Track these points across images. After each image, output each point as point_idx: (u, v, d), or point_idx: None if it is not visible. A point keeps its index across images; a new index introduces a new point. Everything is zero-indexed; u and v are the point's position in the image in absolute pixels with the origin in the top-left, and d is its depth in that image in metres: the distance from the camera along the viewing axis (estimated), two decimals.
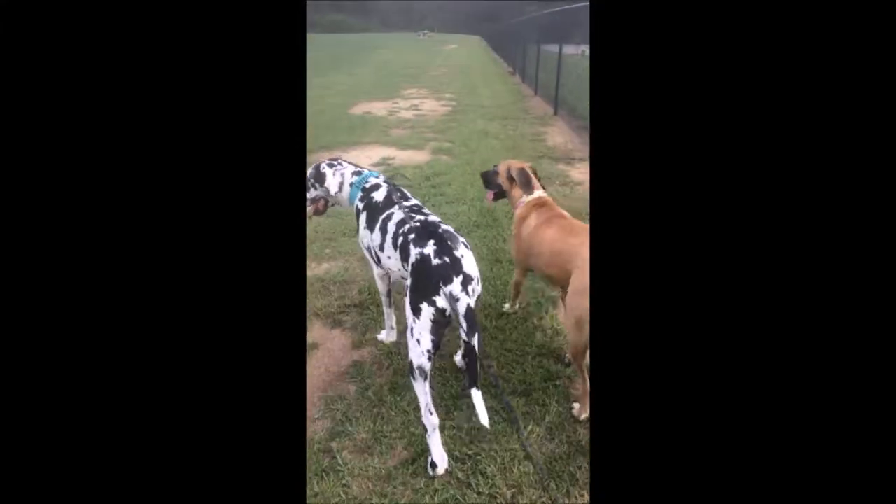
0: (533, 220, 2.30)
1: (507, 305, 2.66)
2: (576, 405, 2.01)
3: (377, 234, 2.01)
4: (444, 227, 1.85)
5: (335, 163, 2.28)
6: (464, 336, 1.60)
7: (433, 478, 1.73)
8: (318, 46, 28.58)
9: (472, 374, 1.63)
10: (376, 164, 5.38)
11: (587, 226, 2.10)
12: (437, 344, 1.69)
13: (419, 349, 1.68)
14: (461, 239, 1.80)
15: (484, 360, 2.26)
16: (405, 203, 2.04)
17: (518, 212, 2.40)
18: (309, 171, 2.25)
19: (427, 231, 1.81)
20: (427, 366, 1.71)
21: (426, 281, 1.68)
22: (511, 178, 2.46)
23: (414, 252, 1.76)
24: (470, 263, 1.71)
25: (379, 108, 9.27)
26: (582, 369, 1.93)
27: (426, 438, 1.78)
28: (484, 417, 1.58)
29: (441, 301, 1.65)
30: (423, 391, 1.73)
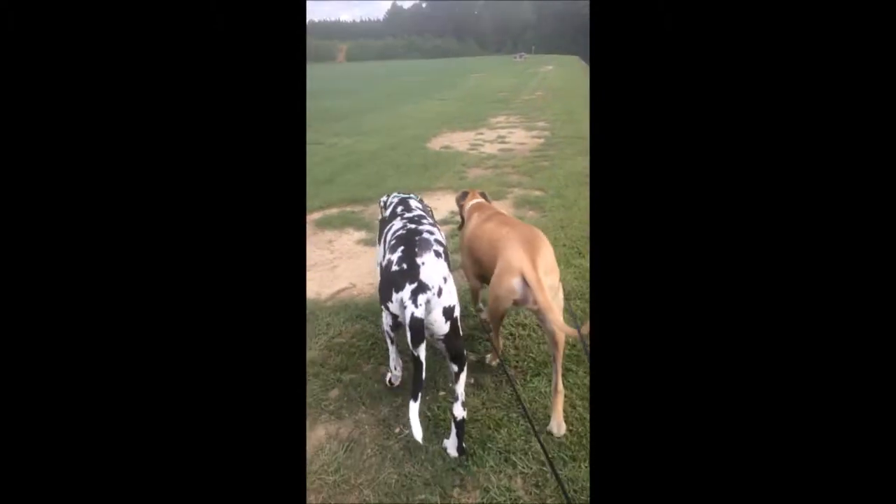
0: (474, 220, 2.33)
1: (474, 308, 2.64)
2: (489, 356, 2.33)
3: (380, 247, 2.05)
4: (425, 234, 1.82)
5: (395, 195, 2.42)
6: (410, 346, 1.58)
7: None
8: (414, 72, 28.73)
9: (414, 385, 1.59)
10: (443, 222, 4.25)
11: (518, 221, 2.21)
12: (394, 329, 1.81)
13: (384, 324, 1.90)
14: (435, 247, 1.76)
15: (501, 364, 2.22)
16: (407, 214, 2.11)
17: (466, 220, 2.47)
18: (381, 199, 2.47)
19: (404, 237, 1.80)
20: (391, 333, 1.97)
21: (382, 286, 1.71)
22: (459, 198, 2.64)
23: (386, 258, 1.77)
24: (431, 272, 1.65)
25: (460, 140, 8.21)
26: (497, 332, 2.12)
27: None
28: (417, 432, 1.52)
29: (393, 307, 1.66)
30: (391, 349, 2.07)
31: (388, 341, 2.05)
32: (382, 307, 1.74)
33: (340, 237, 4.19)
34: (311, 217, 4.67)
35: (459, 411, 1.79)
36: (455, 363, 1.76)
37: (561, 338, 1.85)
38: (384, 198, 2.44)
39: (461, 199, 2.59)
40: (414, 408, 1.54)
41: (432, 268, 1.66)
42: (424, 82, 21.39)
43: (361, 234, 4.17)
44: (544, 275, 1.78)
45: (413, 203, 2.31)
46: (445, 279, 1.68)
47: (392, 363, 2.16)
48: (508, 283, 1.83)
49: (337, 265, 3.62)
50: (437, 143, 8.02)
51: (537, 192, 5.01)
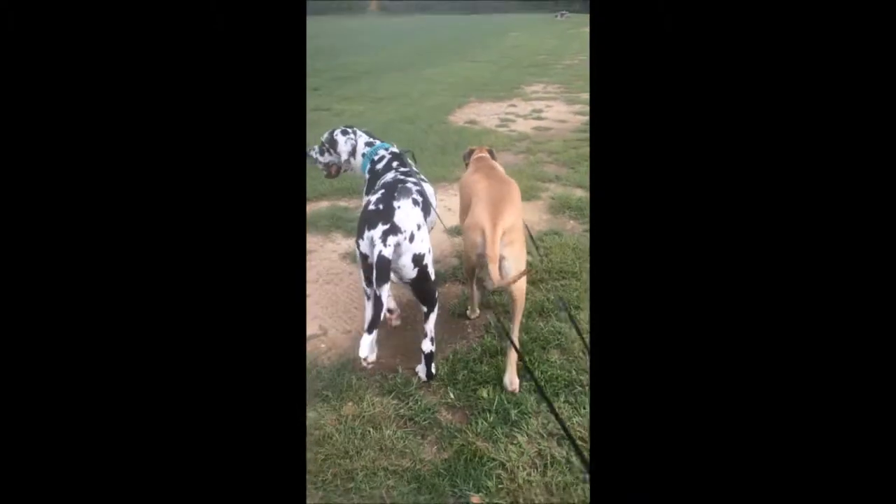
0: (469, 170, 2.40)
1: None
2: (468, 310, 2.46)
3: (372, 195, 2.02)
4: (409, 184, 1.87)
5: (349, 130, 2.37)
6: (374, 284, 1.65)
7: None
8: (447, 27, 26.89)
9: (371, 321, 1.64)
10: (454, 232, 3.26)
11: (499, 176, 2.25)
12: (367, 279, 1.77)
13: (359, 276, 1.93)
14: (414, 196, 1.82)
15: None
16: (402, 168, 2.13)
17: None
18: (325, 134, 2.40)
19: (388, 184, 1.87)
20: (367, 290, 1.82)
21: (358, 224, 1.77)
22: (465, 157, 2.63)
23: (366, 199, 1.88)
24: (406, 216, 1.72)
25: (489, 113, 7.06)
26: (471, 283, 2.36)
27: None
28: (364, 351, 1.60)
29: (364, 245, 1.72)
30: (367, 306, 1.88)
31: (365, 297, 1.92)
32: (355, 245, 1.77)
33: (322, 247, 3.26)
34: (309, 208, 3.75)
35: (428, 346, 1.95)
36: (425, 305, 1.91)
37: (517, 295, 1.93)
38: (338, 133, 2.38)
39: (467, 157, 2.60)
40: (365, 339, 1.59)
41: (407, 213, 1.72)
42: (456, 40, 19.76)
43: (349, 244, 3.23)
44: (502, 233, 1.86)
45: (409, 162, 2.28)
46: (419, 226, 1.76)
47: (368, 320, 1.86)
48: (472, 238, 1.92)
49: (309, 293, 2.71)
50: (461, 116, 6.89)
51: (579, 192, 3.94)
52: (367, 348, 1.60)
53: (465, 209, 2.17)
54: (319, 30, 23.96)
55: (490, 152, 2.58)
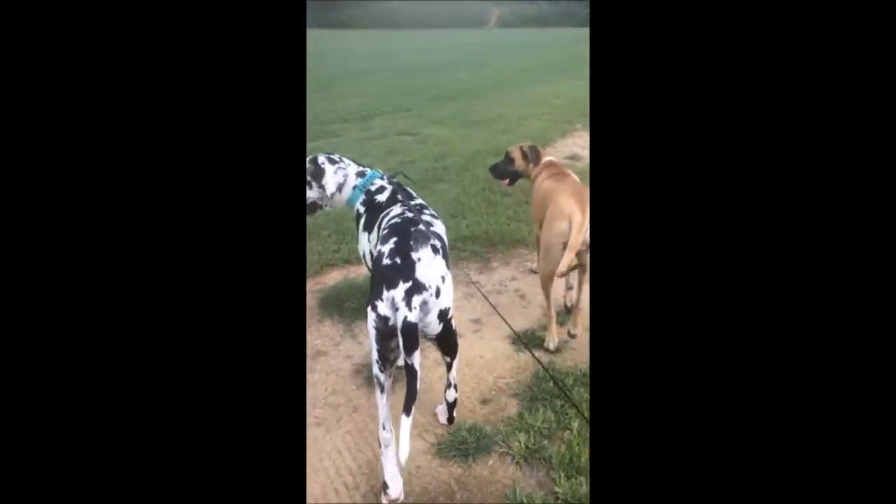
0: (542, 177, 2.45)
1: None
2: (547, 341, 2.31)
3: (374, 232, 1.80)
4: (422, 225, 1.63)
5: (336, 158, 2.05)
6: (402, 353, 1.43)
7: None
8: (564, 42, 25.52)
9: (407, 397, 1.41)
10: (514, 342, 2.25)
11: (577, 180, 2.34)
12: (384, 356, 1.53)
13: (371, 357, 1.57)
14: (433, 241, 1.57)
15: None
16: (410, 202, 1.84)
17: (533, 177, 2.56)
18: (307, 165, 2.00)
19: (400, 227, 1.61)
20: (381, 377, 1.57)
21: (373, 283, 1.54)
22: (526, 156, 2.60)
23: (378, 248, 1.60)
24: (428, 270, 1.49)
25: None
26: (547, 295, 2.28)
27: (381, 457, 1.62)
28: (404, 452, 1.33)
29: (383, 307, 1.46)
30: (380, 403, 1.59)
31: (378, 388, 1.59)
32: (368, 308, 1.49)
33: (339, 346, 2.41)
34: (317, 283, 2.95)
35: (452, 394, 1.86)
36: (448, 356, 1.78)
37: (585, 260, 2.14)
38: (325, 161, 2.03)
39: (532, 158, 2.59)
40: (406, 424, 1.36)
41: (429, 264, 1.50)
42: (571, 55, 18.44)
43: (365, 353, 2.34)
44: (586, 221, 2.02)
45: (411, 192, 1.99)
46: (443, 278, 1.55)
47: (382, 418, 1.61)
48: (557, 227, 2.08)
49: (315, 437, 1.85)
50: (562, 149, 5.78)
51: None
52: (408, 435, 1.34)
53: (542, 216, 2.25)
54: (431, 43, 23.95)
55: (536, 150, 2.61)
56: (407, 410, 1.39)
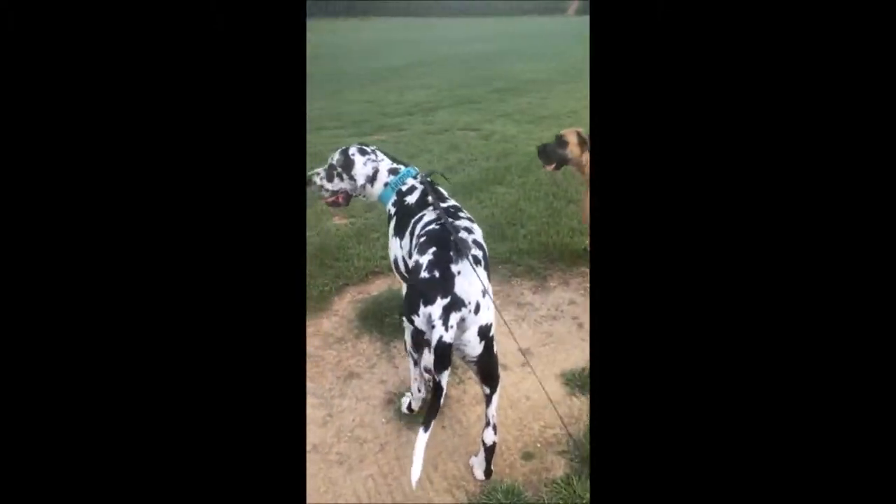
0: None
1: None
2: None
3: (406, 239, 1.74)
4: (463, 233, 1.56)
5: (367, 149, 1.97)
6: (432, 370, 1.37)
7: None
8: None
9: (428, 412, 1.36)
10: None
11: None
12: (418, 347, 1.53)
13: (405, 343, 1.65)
14: (474, 251, 1.51)
15: None
16: (441, 204, 1.73)
17: (585, 165, 2.51)
18: (335, 155, 1.98)
19: (437, 235, 1.53)
20: (415, 355, 1.66)
21: (409, 295, 1.49)
22: (583, 143, 2.48)
23: (414, 258, 1.53)
24: (467, 285, 1.40)
25: None
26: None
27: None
28: (415, 472, 1.27)
29: (419, 322, 1.40)
30: (412, 372, 1.76)
31: (411, 361, 1.77)
32: (404, 320, 1.50)
33: (374, 369, 2.23)
34: (360, 292, 2.78)
35: (490, 436, 1.63)
36: (487, 385, 1.59)
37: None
38: (355, 152, 1.96)
39: (589, 146, 2.45)
40: (422, 439, 1.30)
41: (469, 279, 1.42)
42: None
43: (400, 379, 2.13)
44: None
45: (444, 192, 1.90)
46: (484, 293, 1.45)
47: (414, 385, 1.84)
48: None
49: (335, 478, 1.70)
50: None
51: None
52: (422, 453, 1.27)
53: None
54: (506, 32, 23.34)
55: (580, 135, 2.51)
56: (426, 425, 1.32)
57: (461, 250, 1.45)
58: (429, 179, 1.89)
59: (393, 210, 1.87)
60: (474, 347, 1.45)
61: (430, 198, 1.78)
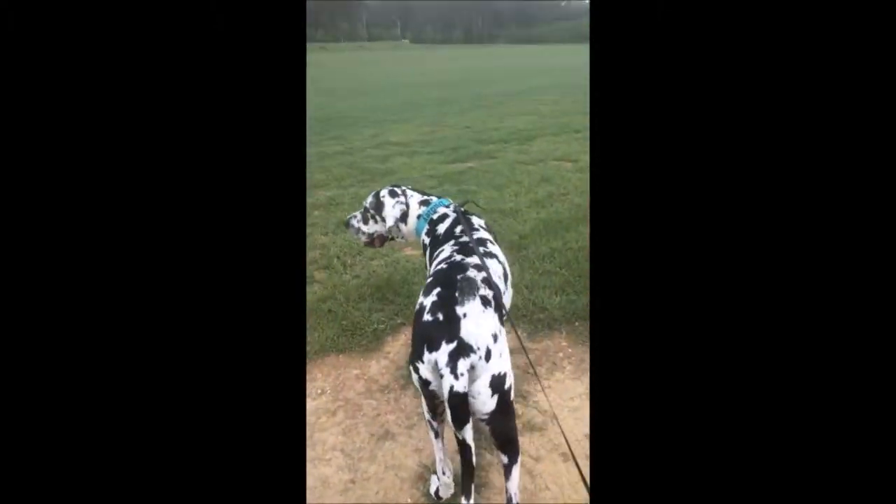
0: None
1: None
2: None
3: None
4: (472, 271, 1.41)
5: (398, 190, 1.95)
6: (452, 426, 1.23)
7: None
8: None
9: (463, 479, 1.28)
10: None
11: None
12: (432, 409, 1.40)
13: (430, 433, 1.49)
14: (483, 290, 1.35)
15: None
16: (465, 237, 1.65)
17: None
18: (368, 198, 2.00)
19: (444, 274, 1.42)
20: (433, 423, 1.45)
21: (413, 339, 1.35)
22: None
23: (419, 301, 1.39)
24: (476, 325, 1.26)
25: None
26: None
27: None
28: None
29: (424, 371, 1.28)
30: (435, 447, 1.52)
31: (431, 433, 1.49)
32: (411, 368, 1.34)
33: (411, 430, 1.97)
34: (400, 343, 2.55)
35: None
36: (504, 452, 1.38)
37: None
38: (385, 193, 1.96)
39: None
40: None
41: (477, 321, 1.27)
42: None
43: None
44: None
45: (476, 221, 1.81)
46: (496, 336, 1.28)
47: (439, 466, 1.56)
48: None
49: None
50: None
51: None
52: None
53: None
54: None
55: None
56: (466, 493, 1.26)
57: (467, 289, 1.32)
58: (462, 209, 1.84)
59: (427, 240, 1.84)
60: (485, 402, 1.27)
61: (457, 228, 1.72)
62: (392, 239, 2.05)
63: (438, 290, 1.34)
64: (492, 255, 1.59)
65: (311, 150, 6.57)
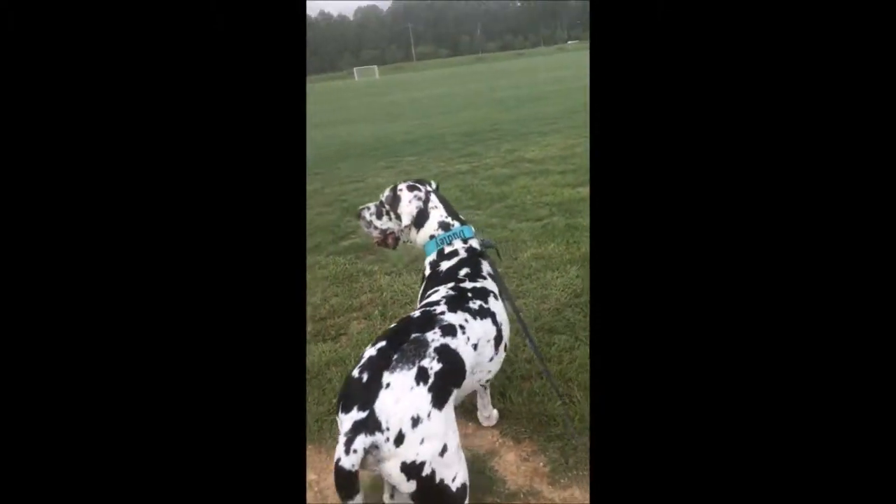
0: None
1: None
2: None
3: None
4: (430, 334, 1.26)
5: (419, 186, 1.74)
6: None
7: None
8: None
9: None
10: None
11: None
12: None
13: None
14: (426, 361, 1.19)
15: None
16: (467, 282, 1.53)
17: None
18: (385, 192, 1.79)
19: (405, 326, 1.31)
20: None
21: (339, 394, 1.26)
22: None
23: (366, 348, 1.30)
24: (395, 401, 1.12)
25: None
26: None
27: None
28: None
29: (342, 427, 1.16)
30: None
31: None
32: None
33: None
34: None
35: None
36: None
37: None
38: (403, 188, 1.75)
39: None
40: None
41: (399, 395, 1.12)
42: None
43: None
44: None
45: (486, 268, 1.64)
46: (416, 420, 1.11)
47: None
48: None
49: None
50: None
51: None
52: None
53: None
54: None
55: None
56: None
57: (408, 356, 1.18)
58: (480, 249, 1.69)
59: (428, 272, 1.66)
60: (401, 485, 1.14)
61: (462, 269, 1.59)
62: (405, 242, 1.83)
63: (383, 343, 1.23)
64: (487, 314, 1.44)
65: (434, 170, 6.35)
